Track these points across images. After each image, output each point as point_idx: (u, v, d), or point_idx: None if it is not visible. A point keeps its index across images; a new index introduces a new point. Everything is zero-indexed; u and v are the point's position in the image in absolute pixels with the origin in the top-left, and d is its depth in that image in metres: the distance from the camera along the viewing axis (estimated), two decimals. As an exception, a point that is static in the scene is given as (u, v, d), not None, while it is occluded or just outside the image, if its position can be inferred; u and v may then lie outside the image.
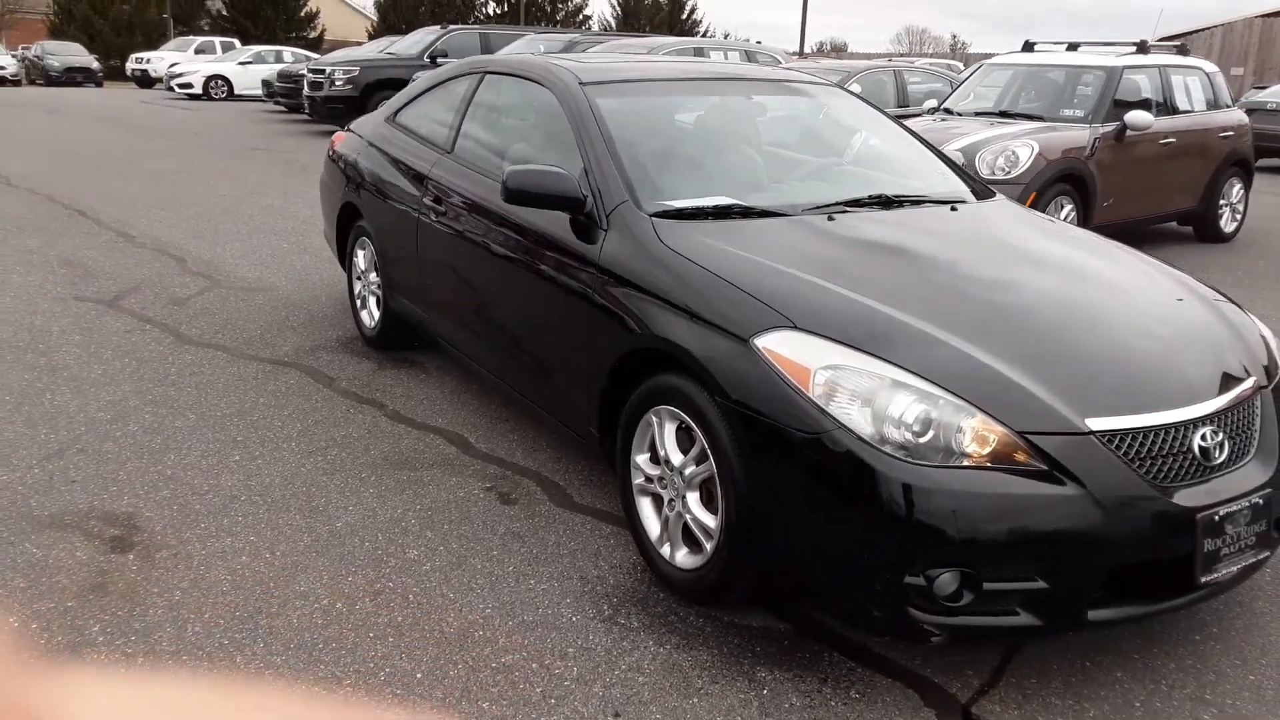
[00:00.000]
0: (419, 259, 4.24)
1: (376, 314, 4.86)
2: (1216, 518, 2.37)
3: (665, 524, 2.86)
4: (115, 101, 23.83)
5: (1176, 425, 2.42)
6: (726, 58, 12.41)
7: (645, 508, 2.95)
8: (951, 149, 6.92)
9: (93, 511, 3.26)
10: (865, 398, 2.34)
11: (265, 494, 3.43)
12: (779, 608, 2.79)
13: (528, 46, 13.71)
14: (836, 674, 2.54)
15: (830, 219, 3.22)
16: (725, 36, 53.53)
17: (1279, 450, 2.58)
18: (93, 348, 4.92)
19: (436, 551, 3.08)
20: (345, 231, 5.14)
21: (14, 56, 32.13)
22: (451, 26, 15.86)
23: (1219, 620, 2.82)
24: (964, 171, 3.94)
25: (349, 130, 5.24)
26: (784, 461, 2.42)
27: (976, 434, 2.29)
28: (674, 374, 2.74)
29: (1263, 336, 2.98)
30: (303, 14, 47.53)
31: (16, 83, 30.23)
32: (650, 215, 3.08)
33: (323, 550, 3.07)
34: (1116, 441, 2.34)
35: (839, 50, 60.47)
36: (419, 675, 2.49)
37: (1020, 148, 6.90)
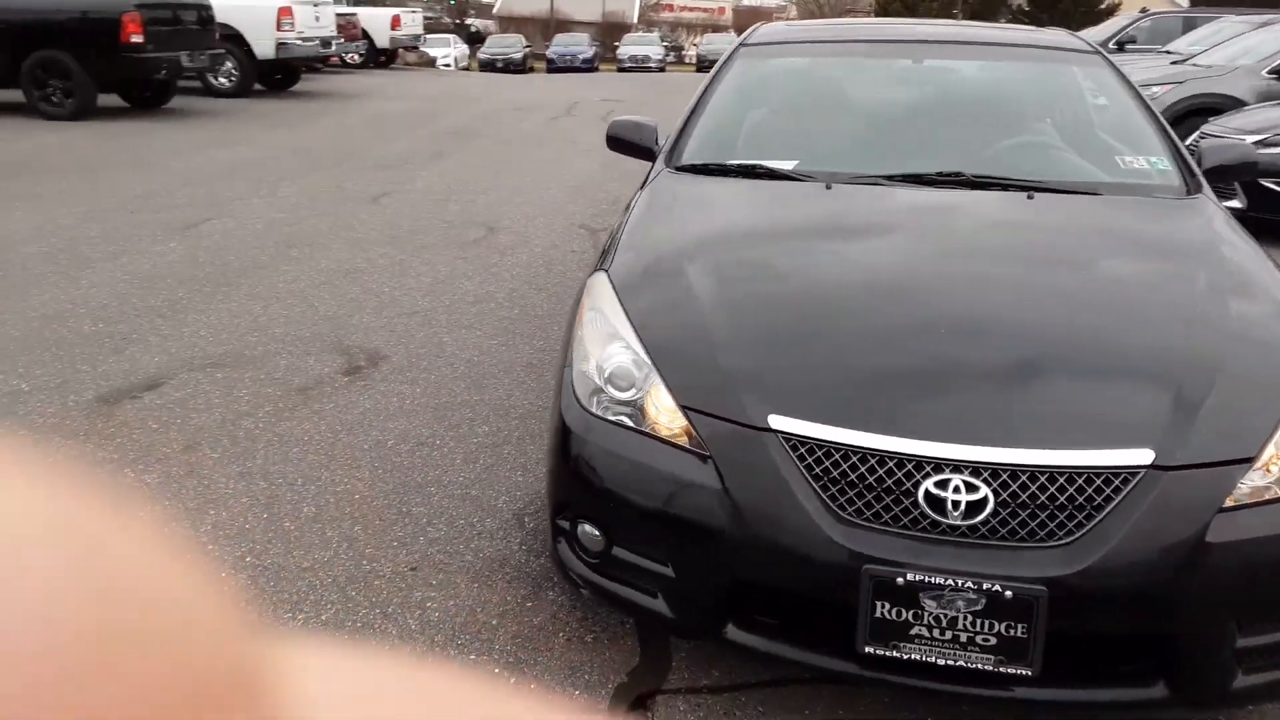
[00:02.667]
0: None
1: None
2: (900, 581, 1.84)
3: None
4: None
5: (891, 456, 1.93)
6: None
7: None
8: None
9: (354, 346, 4.48)
10: (599, 345, 2.37)
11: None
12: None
13: (1214, 27, 12.01)
14: (558, 626, 2.53)
15: (828, 188, 3.04)
16: None
17: (1112, 552, 1.81)
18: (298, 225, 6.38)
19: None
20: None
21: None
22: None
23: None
24: (1187, 165, 3.12)
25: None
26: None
27: (656, 403, 2.20)
28: None
29: None
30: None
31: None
32: (671, 167, 3.19)
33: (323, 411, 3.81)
34: (802, 450, 2.00)
35: None
36: (217, 489, 3.14)
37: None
